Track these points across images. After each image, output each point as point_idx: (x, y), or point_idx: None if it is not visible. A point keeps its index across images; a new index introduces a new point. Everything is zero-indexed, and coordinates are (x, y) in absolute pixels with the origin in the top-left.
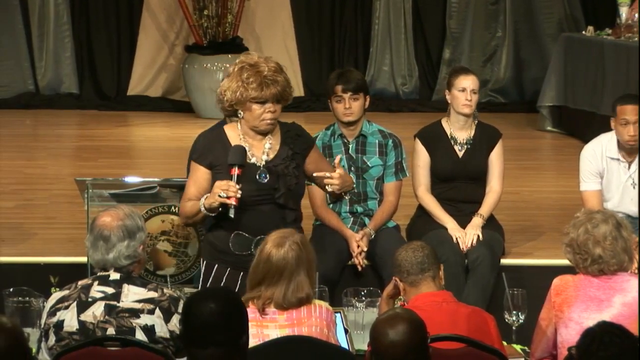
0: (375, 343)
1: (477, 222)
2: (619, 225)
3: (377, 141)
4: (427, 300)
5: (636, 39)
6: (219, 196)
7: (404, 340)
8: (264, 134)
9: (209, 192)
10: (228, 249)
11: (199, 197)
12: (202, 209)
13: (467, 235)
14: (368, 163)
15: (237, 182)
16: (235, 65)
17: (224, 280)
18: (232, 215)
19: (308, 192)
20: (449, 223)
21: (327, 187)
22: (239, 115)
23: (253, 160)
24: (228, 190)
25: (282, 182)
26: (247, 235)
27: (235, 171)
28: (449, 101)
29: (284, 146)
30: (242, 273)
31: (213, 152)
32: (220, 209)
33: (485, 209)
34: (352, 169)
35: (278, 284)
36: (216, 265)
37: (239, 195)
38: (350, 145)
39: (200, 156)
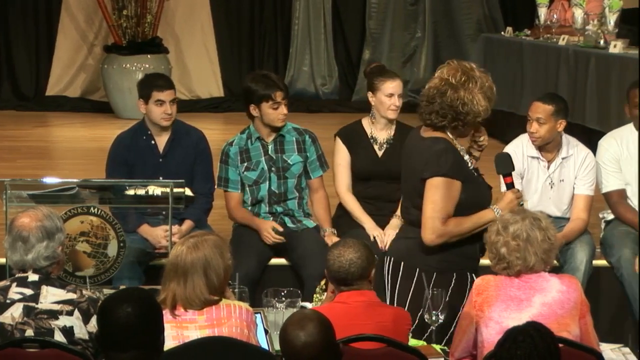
0: (287, 346)
1: (395, 223)
2: (540, 226)
3: (294, 139)
4: (353, 300)
5: (555, 39)
6: (520, 204)
7: (315, 341)
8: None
9: None
10: (476, 254)
11: (452, 213)
12: None
13: (386, 236)
14: (289, 161)
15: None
16: (475, 79)
17: (468, 286)
18: None
19: (224, 196)
20: (367, 223)
21: (479, 141)
22: (459, 127)
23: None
24: (522, 198)
25: None
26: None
27: (510, 179)
28: (373, 103)
29: None
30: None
31: (462, 165)
32: None
33: None
34: (273, 169)
35: (178, 283)
36: (454, 274)
37: None
38: (269, 147)
39: (451, 171)
